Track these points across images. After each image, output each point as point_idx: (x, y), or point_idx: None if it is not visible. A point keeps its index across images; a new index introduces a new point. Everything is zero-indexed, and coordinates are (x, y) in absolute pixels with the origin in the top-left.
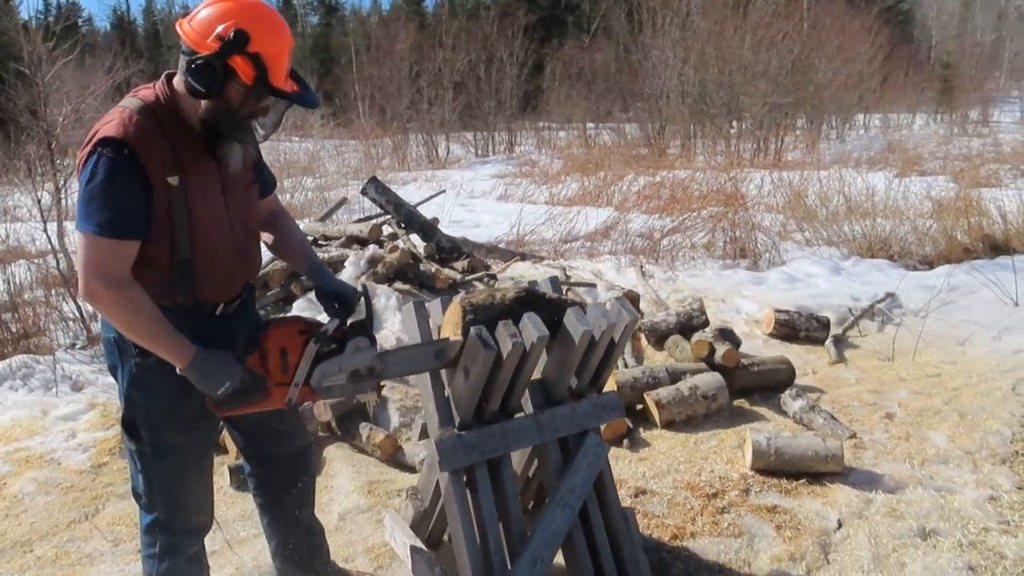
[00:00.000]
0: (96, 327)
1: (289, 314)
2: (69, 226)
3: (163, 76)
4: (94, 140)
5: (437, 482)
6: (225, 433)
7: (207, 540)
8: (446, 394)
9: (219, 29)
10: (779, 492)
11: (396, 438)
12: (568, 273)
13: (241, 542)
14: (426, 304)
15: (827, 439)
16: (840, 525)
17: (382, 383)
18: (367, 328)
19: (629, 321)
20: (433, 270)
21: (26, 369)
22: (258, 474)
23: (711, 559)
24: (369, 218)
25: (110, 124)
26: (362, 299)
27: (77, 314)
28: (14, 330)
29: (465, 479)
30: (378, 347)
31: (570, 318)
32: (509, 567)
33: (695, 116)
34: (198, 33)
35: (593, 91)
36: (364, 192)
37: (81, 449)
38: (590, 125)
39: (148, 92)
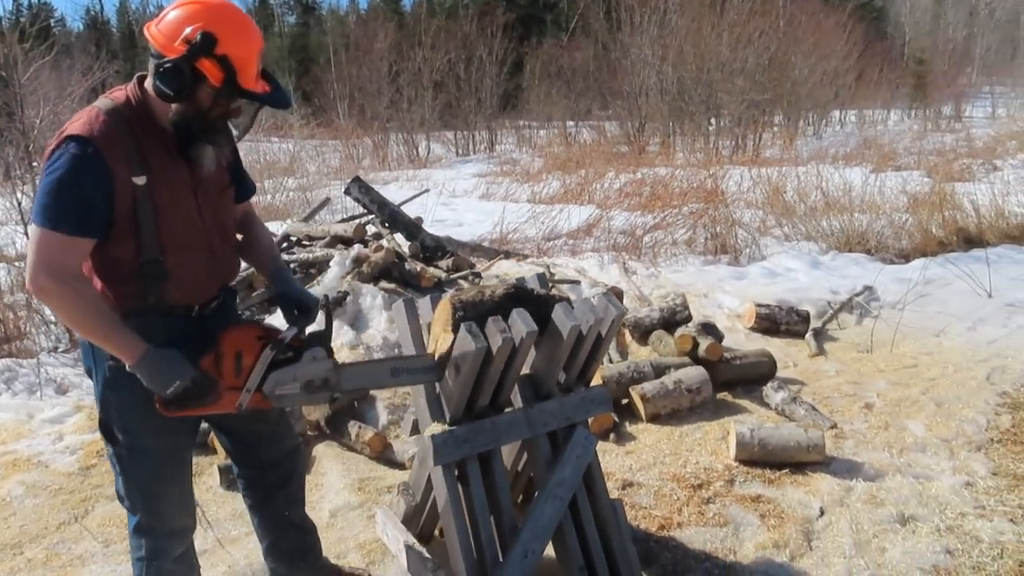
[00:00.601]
0: None
1: (249, 318)
2: None
3: (135, 78)
4: (61, 137)
5: (428, 477)
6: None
7: (199, 539)
8: (437, 390)
9: (186, 32)
10: (763, 482)
11: (385, 436)
12: (552, 271)
13: (233, 541)
14: (416, 302)
15: (808, 429)
16: (822, 513)
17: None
18: (325, 339)
19: (616, 315)
20: (418, 269)
21: (9, 373)
22: (246, 476)
23: (697, 548)
24: (353, 218)
25: (77, 123)
26: (322, 310)
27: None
28: None
29: (456, 473)
30: (335, 360)
31: (558, 313)
32: (500, 559)
33: (674, 114)
34: (165, 36)
35: (573, 89)
36: (348, 192)
37: (68, 452)
38: (570, 123)
39: (120, 93)
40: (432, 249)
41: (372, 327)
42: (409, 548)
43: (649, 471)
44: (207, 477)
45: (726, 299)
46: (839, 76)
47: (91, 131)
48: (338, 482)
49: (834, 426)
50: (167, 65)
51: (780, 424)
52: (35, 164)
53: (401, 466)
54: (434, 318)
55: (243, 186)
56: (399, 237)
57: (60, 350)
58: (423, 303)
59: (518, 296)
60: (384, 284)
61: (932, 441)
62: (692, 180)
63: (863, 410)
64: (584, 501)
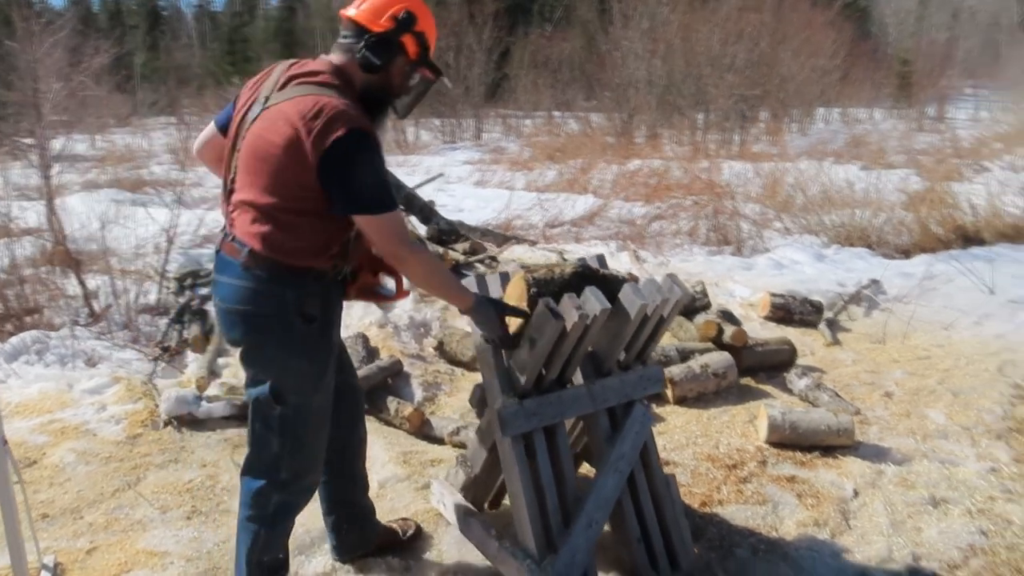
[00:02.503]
0: (98, 305)
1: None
2: (57, 202)
3: (326, 64)
4: (342, 127)
5: (489, 448)
6: None
7: None
8: (506, 364)
9: (392, 11)
10: (794, 464)
11: (423, 411)
12: (564, 257)
13: None
14: (486, 278)
15: (839, 414)
16: (856, 494)
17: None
18: None
19: (680, 297)
20: (441, 251)
21: (39, 344)
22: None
23: (740, 524)
24: None
25: (351, 115)
26: None
27: (80, 291)
28: (16, 307)
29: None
30: None
31: (626, 292)
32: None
33: (662, 107)
34: (371, 14)
35: (559, 80)
36: None
37: (113, 421)
38: (556, 113)
39: (328, 78)
40: (447, 232)
41: (398, 307)
42: (471, 516)
43: (683, 451)
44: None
45: (737, 288)
46: (826, 74)
47: (366, 122)
48: (383, 455)
49: (857, 412)
50: (375, 39)
51: (809, 408)
52: (45, 141)
53: (440, 441)
54: (506, 294)
55: None
56: (413, 220)
57: (81, 324)
58: (492, 279)
59: (585, 275)
60: None
61: (953, 429)
62: (690, 172)
63: (883, 398)
64: (640, 475)
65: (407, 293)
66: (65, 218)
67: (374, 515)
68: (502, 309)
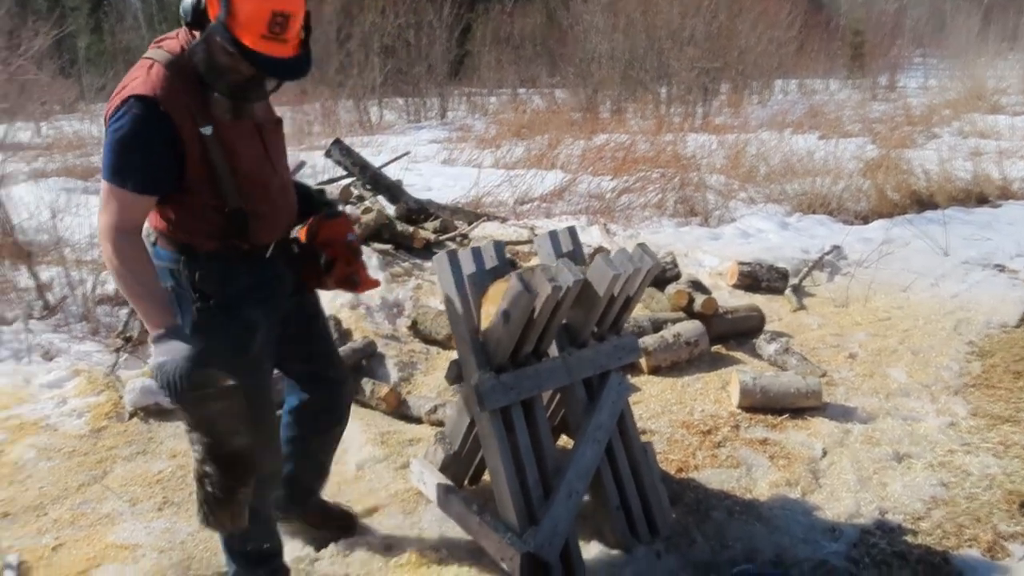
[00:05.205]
0: (52, 297)
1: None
2: (2, 193)
3: (184, 27)
4: (123, 94)
5: (469, 424)
6: None
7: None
8: (481, 339)
9: None
10: (766, 427)
11: (399, 391)
12: (535, 232)
13: None
14: (458, 253)
15: (807, 377)
16: (825, 453)
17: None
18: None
19: (651, 266)
20: (411, 230)
21: None
22: (309, 401)
23: (716, 488)
24: (332, 180)
25: (137, 80)
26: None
27: (32, 283)
28: None
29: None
30: None
31: (598, 262)
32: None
33: (626, 81)
34: None
35: (522, 56)
36: (328, 154)
37: (76, 415)
38: (520, 90)
39: (172, 43)
40: (416, 211)
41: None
42: (451, 494)
43: (659, 419)
44: None
45: (706, 258)
46: (782, 45)
47: (153, 90)
48: (360, 436)
49: (824, 374)
50: None
51: (779, 372)
52: None
53: (418, 420)
54: (488, 296)
55: None
56: (382, 199)
57: (36, 317)
58: (464, 254)
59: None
60: (376, 245)
61: (914, 386)
62: (655, 146)
63: (848, 360)
64: (618, 444)
65: (375, 283)
66: (12, 209)
67: (316, 494)
68: (194, 360)
